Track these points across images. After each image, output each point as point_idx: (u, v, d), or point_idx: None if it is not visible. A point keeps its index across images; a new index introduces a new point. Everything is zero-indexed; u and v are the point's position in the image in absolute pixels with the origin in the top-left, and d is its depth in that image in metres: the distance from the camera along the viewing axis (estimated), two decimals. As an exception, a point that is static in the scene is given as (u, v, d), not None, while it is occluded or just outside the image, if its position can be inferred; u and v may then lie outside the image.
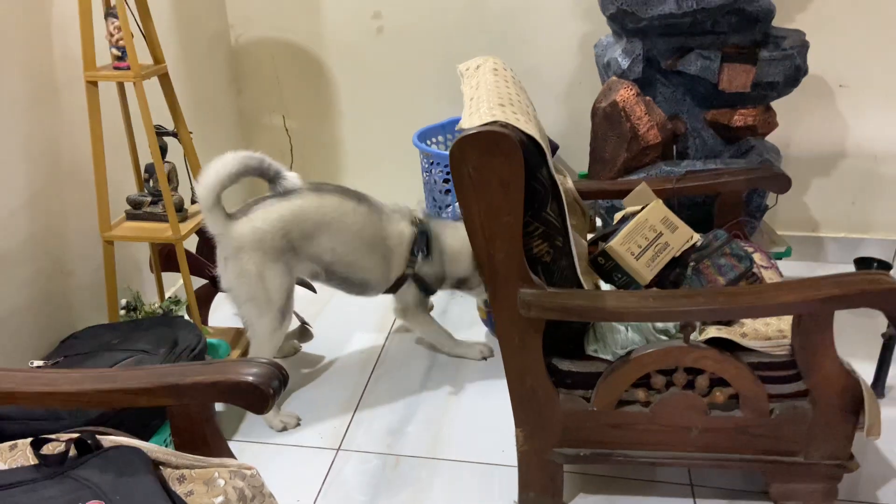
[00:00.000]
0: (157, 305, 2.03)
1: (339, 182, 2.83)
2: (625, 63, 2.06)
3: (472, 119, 1.34)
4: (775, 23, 2.29)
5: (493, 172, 1.27)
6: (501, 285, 1.36)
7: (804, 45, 2.01)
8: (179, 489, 0.99)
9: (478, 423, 1.83)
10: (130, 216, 1.88)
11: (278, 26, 2.60)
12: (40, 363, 1.64)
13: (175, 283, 2.30)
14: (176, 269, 1.92)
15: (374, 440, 1.78)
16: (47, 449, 1.07)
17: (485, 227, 1.31)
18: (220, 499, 0.98)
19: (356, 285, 1.88)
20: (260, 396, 1.03)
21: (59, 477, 0.99)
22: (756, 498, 1.56)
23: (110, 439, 1.12)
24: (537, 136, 1.35)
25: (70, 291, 1.84)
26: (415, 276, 1.91)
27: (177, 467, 1.05)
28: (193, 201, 1.97)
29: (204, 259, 2.01)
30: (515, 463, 1.63)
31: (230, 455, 1.12)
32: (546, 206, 1.35)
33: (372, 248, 1.82)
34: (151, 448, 1.10)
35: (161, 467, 1.03)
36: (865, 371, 1.92)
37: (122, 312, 1.94)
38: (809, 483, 1.47)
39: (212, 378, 1.04)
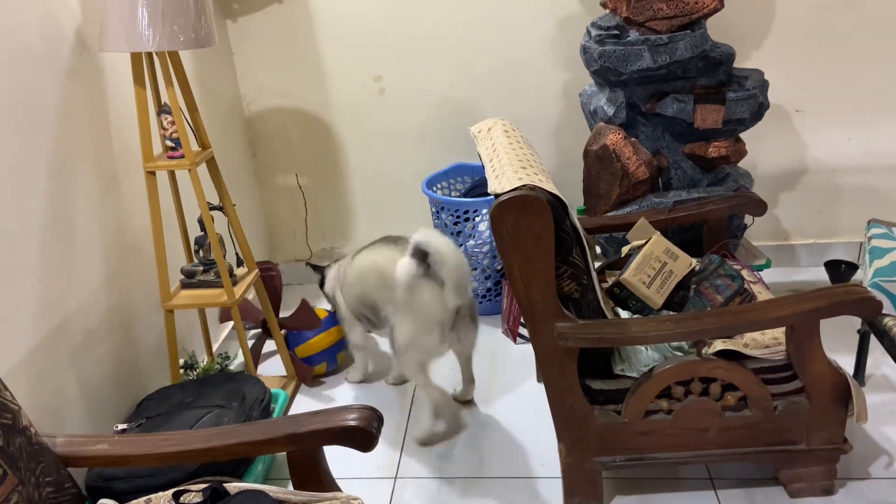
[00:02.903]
0: (206, 362, 2.22)
1: (351, 232, 3.05)
2: (610, 111, 2.33)
3: (500, 183, 1.58)
4: (736, 62, 2.59)
5: (528, 229, 1.50)
6: (540, 322, 1.59)
7: (764, 84, 2.30)
8: (305, 521, 1.19)
9: (516, 442, 2.04)
10: (185, 285, 2.07)
11: (287, 93, 2.82)
12: (124, 426, 1.82)
13: (218, 339, 2.48)
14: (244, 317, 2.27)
15: (426, 466, 1.98)
16: (186, 498, 1.26)
17: (523, 274, 1.54)
18: (341, 525, 1.18)
19: None
20: (367, 436, 1.24)
21: (205, 522, 1.18)
22: (768, 484, 1.79)
23: (234, 486, 1.32)
24: (558, 193, 1.59)
25: (138, 357, 2.02)
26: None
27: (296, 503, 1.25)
28: (239, 265, 2.17)
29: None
30: (556, 474, 1.86)
31: (338, 489, 1.32)
32: (572, 251, 1.59)
33: None
34: (272, 489, 1.30)
35: (283, 505, 1.22)
36: (846, 363, 2.19)
37: (181, 371, 2.12)
38: (812, 466, 1.71)
39: (325, 425, 1.25)
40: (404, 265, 1.89)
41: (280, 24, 2.72)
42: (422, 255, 1.87)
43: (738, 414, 1.66)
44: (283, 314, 2.44)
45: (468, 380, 2.21)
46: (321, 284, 2.37)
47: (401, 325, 1.96)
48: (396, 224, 3.00)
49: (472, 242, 2.60)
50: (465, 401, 2.23)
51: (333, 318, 2.40)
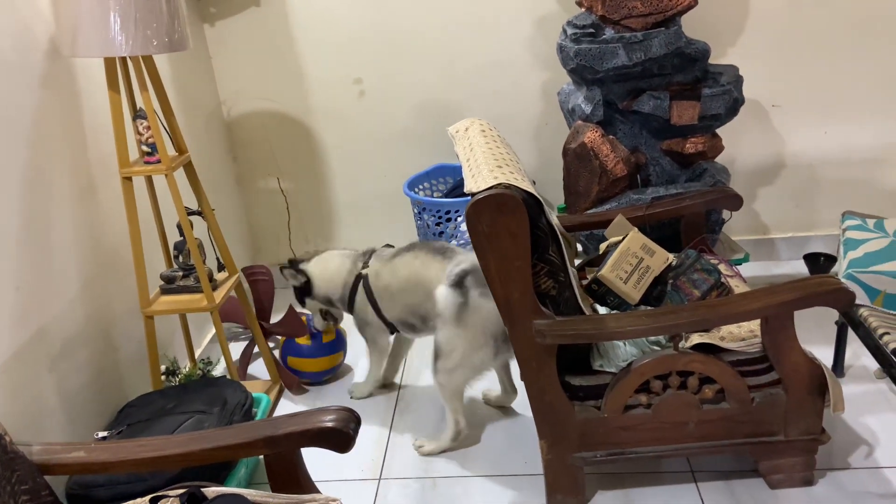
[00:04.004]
0: (188, 368, 2.21)
1: (335, 234, 3.05)
2: (588, 109, 2.34)
3: (476, 182, 1.59)
4: (712, 58, 2.61)
5: (504, 227, 1.51)
6: (518, 319, 1.60)
7: (739, 80, 2.32)
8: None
9: (499, 441, 2.05)
10: (165, 291, 2.06)
11: (267, 97, 2.82)
12: (105, 433, 1.81)
13: (201, 345, 2.47)
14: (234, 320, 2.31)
15: (410, 466, 1.99)
16: (163, 503, 1.26)
17: (500, 273, 1.55)
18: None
19: None
20: (344, 438, 1.24)
21: (184, 526, 1.18)
22: (748, 476, 1.81)
23: (212, 490, 1.32)
24: (534, 192, 1.60)
25: (119, 364, 2.01)
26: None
27: (275, 506, 1.25)
28: (220, 270, 2.17)
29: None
30: (539, 471, 1.86)
31: (317, 491, 1.32)
32: (548, 248, 1.60)
33: None
34: (250, 493, 1.30)
35: (264, 508, 1.23)
36: (825, 354, 2.21)
37: (163, 378, 2.11)
38: (791, 457, 1.73)
39: (301, 427, 1.25)
40: (445, 297, 1.87)
41: (258, 27, 2.72)
42: (461, 282, 1.87)
43: (717, 406, 1.67)
44: (275, 318, 2.45)
45: (511, 389, 2.17)
46: (306, 290, 2.21)
47: (448, 344, 1.89)
48: (379, 226, 3.01)
49: (454, 243, 2.60)
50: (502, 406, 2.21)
51: (337, 343, 2.38)
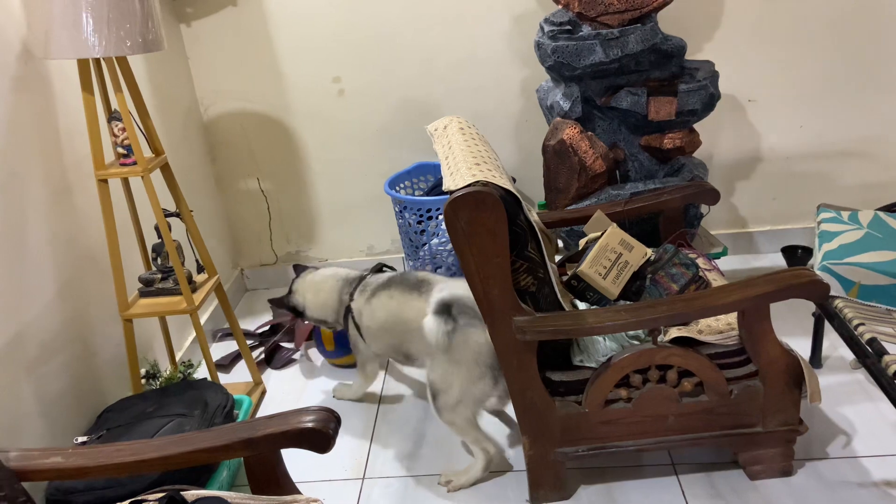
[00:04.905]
0: (169, 371, 2.20)
1: (316, 234, 3.04)
2: (566, 105, 2.35)
3: (455, 180, 1.59)
4: (688, 54, 2.63)
5: (482, 225, 1.51)
6: (498, 317, 1.60)
7: (715, 75, 2.34)
8: (266, 525, 1.19)
9: (482, 438, 2.06)
10: (144, 293, 2.05)
11: (245, 97, 2.80)
12: (84, 438, 1.80)
13: (182, 347, 2.46)
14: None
15: (393, 466, 1.98)
16: (143, 509, 1.25)
17: (480, 270, 1.56)
18: (301, 527, 1.18)
19: None
20: (323, 438, 1.24)
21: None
22: (728, 468, 1.83)
23: (192, 494, 1.31)
24: (512, 189, 1.60)
25: (98, 368, 1.99)
26: None
27: (256, 508, 1.24)
28: (200, 271, 2.16)
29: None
30: (522, 467, 1.87)
31: (298, 492, 1.32)
32: (527, 245, 1.61)
33: None
34: (230, 495, 1.30)
35: (246, 509, 1.22)
36: (804, 346, 2.24)
37: (143, 381, 2.10)
38: (769, 448, 1.75)
39: (280, 428, 1.24)
40: (431, 327, 1.74)
41: (235, 27, 2.70)
42: (446, 309, 1.77)
43: (696, 399, 1.68)
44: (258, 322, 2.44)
45: (506, 394, 1.98)
46: (300, 314, 2.20)
47: (444, 381, 1.79)
48: (361, 225, 3.00)
49: (435, 241, 2.61)
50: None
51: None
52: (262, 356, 2.53)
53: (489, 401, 1.85)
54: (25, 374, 1.70)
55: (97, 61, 1.84)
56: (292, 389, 2.37)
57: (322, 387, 2.38)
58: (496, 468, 1.92)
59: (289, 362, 2.51)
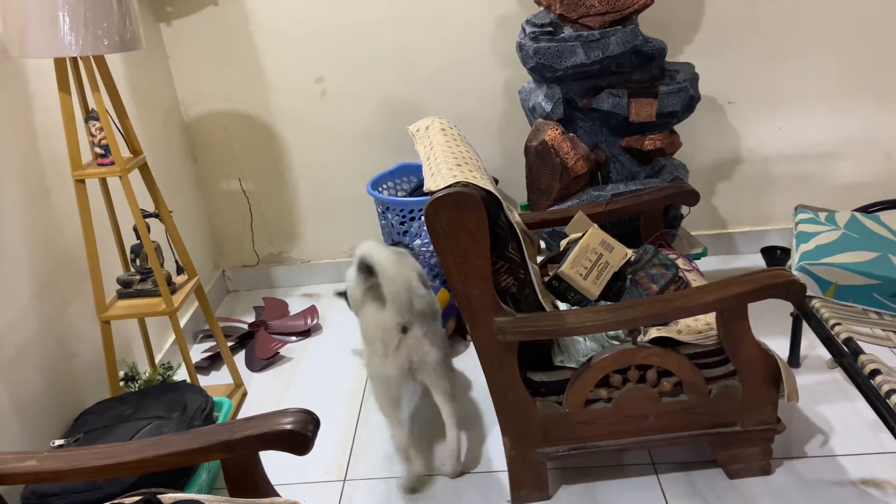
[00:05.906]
0: (148, 374, 2.17)
1: (298, 235, 3.02)
2: (548, 107, 2.36)
3: (436, 181, 1.59)
4: (668, 56, 2.65)
5: (462, 225, 1.52)
6: (479, 317, 1.60)
7: (695, 77, 2.35)
8: (245, 528, 1.18)
9: (463, 439, 2.06)
10: (122, 295, 2.03)
11: (226, 97, 2.79)
12: (61, 442, 1.77)
13: (162, 349, 2.43)
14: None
15: (375, 467, 1.98)
16: (119, 512, 1.24)
17: (460, 271, 1.56)
18: (280, 530, 1.17)
19: None
20: (302, 440, 1.23)
21: (141, 533, 1.16)
22: (708, 467, 1.84)
23: (169, 497, 1.30)
24: (493, 189, 1.61)
25: (75, 371, 1.97)
26: None
27: (234, 511, 1.23)
28: (179, 273, 2.14)
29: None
30: (503, 468, 1.88)
31: (276, 494, 1.31)
32: (507, 246, 1.61)
33: None
34: (208, 498, 1.29)
35: (223, 513, 1.21)
36: (783, 346, 2.26)
37: (122, 384, 2.08)
38: (748, 447, 1.77)
39: (258, 430, 1.24)
40: (349, 276, 1.76)
41: (217, 26, 2.68)
42: (368, 270, 1.75)
43: (675, 399, 1.70)
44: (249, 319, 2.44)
45: (449, 438, 1.88)
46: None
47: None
48: (344, 226, 2.99)
49: (418, 242, 2.60)
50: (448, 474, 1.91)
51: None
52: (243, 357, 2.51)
53: (391, 379, 1.77)
54: (1, 376, 1.67)
55: (74, 60, 1.82)
56: (274, 391, 2.36)
57: (304, 388, 2.37)
58: (482, 468, 1.92)
59: (268, 365, 2.50)
